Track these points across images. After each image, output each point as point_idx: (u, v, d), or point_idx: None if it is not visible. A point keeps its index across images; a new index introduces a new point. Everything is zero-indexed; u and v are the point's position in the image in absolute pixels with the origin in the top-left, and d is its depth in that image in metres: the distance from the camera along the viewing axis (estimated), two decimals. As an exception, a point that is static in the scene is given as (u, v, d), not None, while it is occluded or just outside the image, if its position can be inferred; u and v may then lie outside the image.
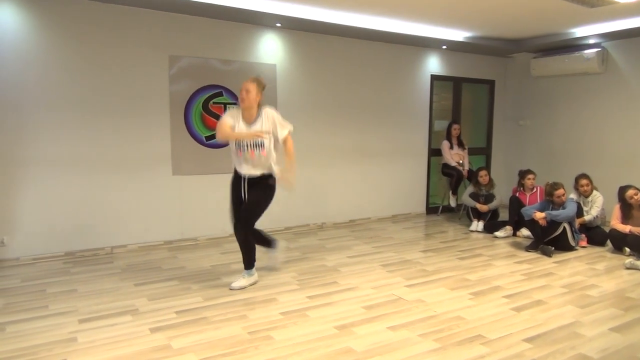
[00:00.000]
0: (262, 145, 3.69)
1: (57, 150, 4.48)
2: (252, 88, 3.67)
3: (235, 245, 5.05)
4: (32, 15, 4.30)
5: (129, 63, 4.74)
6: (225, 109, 5.28)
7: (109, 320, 3.15)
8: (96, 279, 3.98)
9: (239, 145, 3.71)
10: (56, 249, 4.56)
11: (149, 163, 4.94)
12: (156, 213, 5.02)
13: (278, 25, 5.39)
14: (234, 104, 5.32)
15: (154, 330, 3.02)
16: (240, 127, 3.71)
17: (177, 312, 3.30)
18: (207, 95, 5.18)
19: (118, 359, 2.66)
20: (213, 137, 5.25)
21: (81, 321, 3.14)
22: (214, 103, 5.22)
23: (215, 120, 5.23)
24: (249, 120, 3.73)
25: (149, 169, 4.94)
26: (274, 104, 5.57)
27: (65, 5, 4.42)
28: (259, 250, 3.92)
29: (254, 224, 3.84)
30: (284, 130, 3.78)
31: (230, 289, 3.74)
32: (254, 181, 3.76)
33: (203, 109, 5.17)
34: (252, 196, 3.77)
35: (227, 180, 5.31)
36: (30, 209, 4.42)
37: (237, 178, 3.83)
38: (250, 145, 3.68)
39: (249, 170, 3.74)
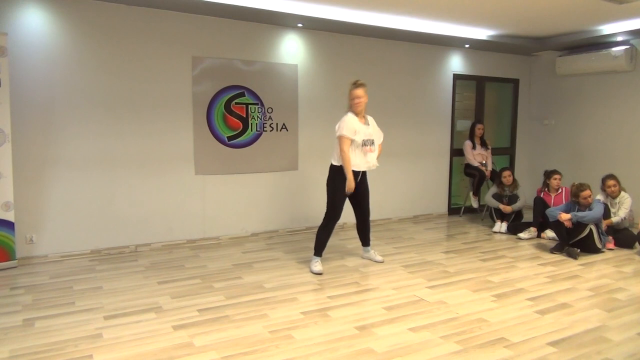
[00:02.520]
0: (374, 143, 4.28)
1: (83, 149, 4.58)
2: (363, 93, 4.17)
3: (256, 245, 5.12)
4: (59, 17, 4.41)
5: (153, 64, 4.82)
6: (247, 109, 5.33)
7: (133, 317, 3.21)
8: (121, 277, 4.06)
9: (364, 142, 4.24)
10: (83, 246, 4.66)
11: (172, 163, 5.01)
12: (179, 212, 5.09)
13: (299, 25, 5.40)
14: (256, 104, 5.35)
15: (176, 327, 3.07)
16: (361, 129, 4.17)
17: (199, 310, 3.34)
18: (229, 96, 5.23)
19: (142, 355, 2.71)
20: (235, 137, 5.30)
21: (106, 318, 3.20)
22: (236, 103, 5.27)
23: (237, 120, 5.28)
24: (363, 122, 4.23)
25: (172, 168, 5.01)
26: (295, 104, 5.60)
27: (91, 7, 4.51)
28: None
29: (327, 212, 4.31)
30: (382, 135, 4.43)
31: (379, 261, 4.50)
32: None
33: (225, 109, 5.22)
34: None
35: (249, 180, 5.40)
36: (58, 208, 4.53)
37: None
38: (370, 142, 4.25)
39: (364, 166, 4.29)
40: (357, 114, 4.20)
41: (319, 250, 4.29)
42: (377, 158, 4.35)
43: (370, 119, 4.33)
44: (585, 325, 3.16)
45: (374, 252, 4.63)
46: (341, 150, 4.12)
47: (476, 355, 2.74)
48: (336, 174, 4.20)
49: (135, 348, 2.79)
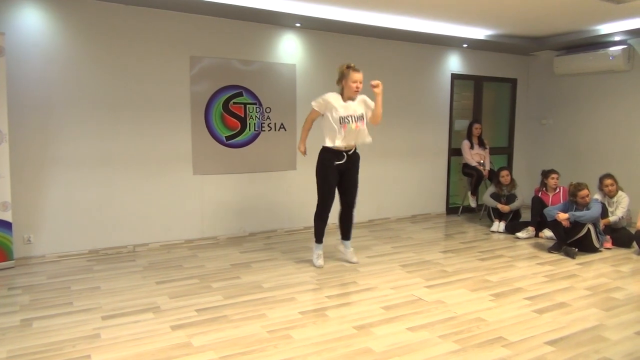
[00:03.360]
0: (362, 118, 4.17)
1: (81, 149, 4.57)
2: (362, 78, 4.11)
3: (254, 245, 5.12)
4: (56, 17, 4.40)
5: (150, 64, 4.81)
6: (245, 109, 5.32)
7: (131, 318, 3.21)
8: (119, 277, 4.05)
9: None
10: (80, 247, 4.65)
11: (171, 163, 5.00)
12: (177, 212, 5.08)
13: (298, 25, 5.40)
14: (254, 104, 5.35)
15: (175, 327, 3.06)
16: (341, 106, 4.11)
17: (197, 310, 3.34)
18: (227, 96, 5.22)
19: (140, 355, 2.70)
20: (233, 137, 5.29)
21: (104, 318, 3.20)
22: (234, 103, 5.26)
23: (235, 120, 5.28)
24: (351, 100, 4.17)
25: (170, 168, 5.01)
26: (293, 104, 5.60)
27: (89, 7, 4.50)
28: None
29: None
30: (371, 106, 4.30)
31: (353, 262, 4.46)
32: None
33: (223, 109, 5.21)
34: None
35: (247, 180, 5.40)
36: (55, 208, 4.52)
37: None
38: (354, 118, 4.13)
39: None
40: (349, 98, 4.14)
41: (317, 237, 4.34)
42: (376, 120, 4.20)
43: (363, 96, 4.21)
44: (583, 325, 3.17)
45: (352, 250, 4.54)
46: (306, 119, 4.26)
47: (474, 355, 2.74)
48: (320, 156, 4.20)
49: (133, 348, 2.78)
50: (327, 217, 4.31)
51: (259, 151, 5.44)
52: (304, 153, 4.29)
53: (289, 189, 5.65)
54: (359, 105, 4.17)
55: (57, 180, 4.50)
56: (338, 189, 4.34)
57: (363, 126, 4.17)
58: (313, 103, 4.19)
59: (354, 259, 4.50)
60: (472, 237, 5.68)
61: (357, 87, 4.08)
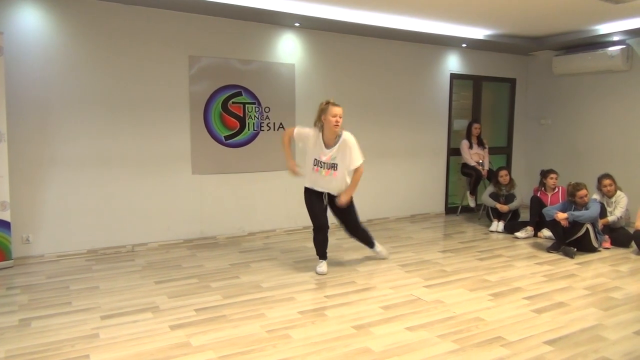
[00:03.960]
0: (335, 167, 4.02)
1: (80, 149, 4.57)
2: (342, 113, 3.93)
3: (253, 244, 5.12)
4: (55, 16, 4.39)
5: (150, 63, 4.81)
6: (244, 108, 5.32)
7: (130, 317, 3.20)
8: (118, 277, 4.05)
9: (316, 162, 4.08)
10: (79, 246, 4.65)
11: (170, 162, 5.00)
12: (176, 212, 5.08)
13: (297, 25, 5.40)
14: (253, 103, 5.35)
15: (174, 327, 3.06)
16: (318, 148, 4.03)
17: (196, 310, 3.34)
18: (226, 95, 5.22)
19: (139, 355, 2.70)
20: (232, 136, 5.29)
21: (103, 317, 3.19)
22: (233, 103, 5.26)
23: (234, 120, 5.28)
24: (329, 144, 4.02)
25: (169, 168, 5.00)
26: (292, 104, 5.60)
27: (88, 6, 4.50)
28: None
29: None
30: (357, 161, 4.04)
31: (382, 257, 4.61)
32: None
33: (222, 108, 5.21)
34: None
35: (246, 179, 5.40)
36: (54, 208, 4.51)
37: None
38: (327, 165, 4.04)
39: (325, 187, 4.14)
40: (330, 135, 3.97)
41: (320, 255, 4.26)
42: (352, 187, 4.04)
43: (345, 139, 3.97)
44: (581, 324, 3.17)
45: (380, 249, 4.61)
46: (282, 139, 4.28)
47: (473, 354, 2.74)
48: (304, 191, 4.21)
49: (132, 348, 2.78)
50: (325, 238, 4.21)
51: (258, 151, 5.44)
52: (296, 172, 4.15)
53: (288, 189, 5.65)
54: (337, 152, 3.99)
55: (56, 180, 4.50)
56: (335, 216, 4.30)
57: (336, 174, 4.02)
58: (296, 129, 4.16)
59: (383, 255, 4.63)
60: (471, 236, 5.68)
61: (337, 122, 3.88)
